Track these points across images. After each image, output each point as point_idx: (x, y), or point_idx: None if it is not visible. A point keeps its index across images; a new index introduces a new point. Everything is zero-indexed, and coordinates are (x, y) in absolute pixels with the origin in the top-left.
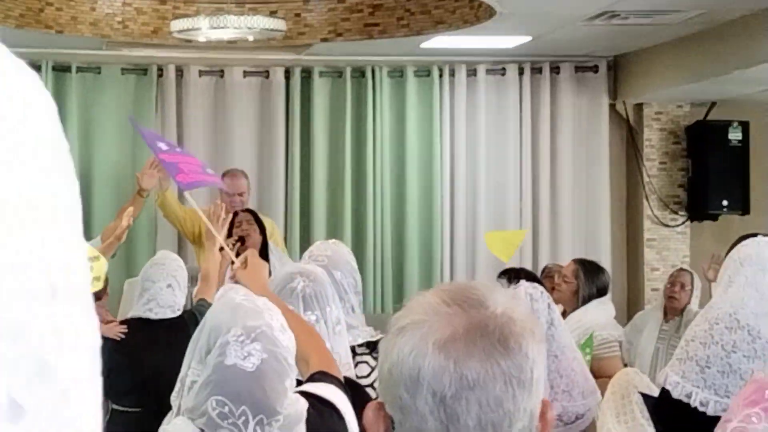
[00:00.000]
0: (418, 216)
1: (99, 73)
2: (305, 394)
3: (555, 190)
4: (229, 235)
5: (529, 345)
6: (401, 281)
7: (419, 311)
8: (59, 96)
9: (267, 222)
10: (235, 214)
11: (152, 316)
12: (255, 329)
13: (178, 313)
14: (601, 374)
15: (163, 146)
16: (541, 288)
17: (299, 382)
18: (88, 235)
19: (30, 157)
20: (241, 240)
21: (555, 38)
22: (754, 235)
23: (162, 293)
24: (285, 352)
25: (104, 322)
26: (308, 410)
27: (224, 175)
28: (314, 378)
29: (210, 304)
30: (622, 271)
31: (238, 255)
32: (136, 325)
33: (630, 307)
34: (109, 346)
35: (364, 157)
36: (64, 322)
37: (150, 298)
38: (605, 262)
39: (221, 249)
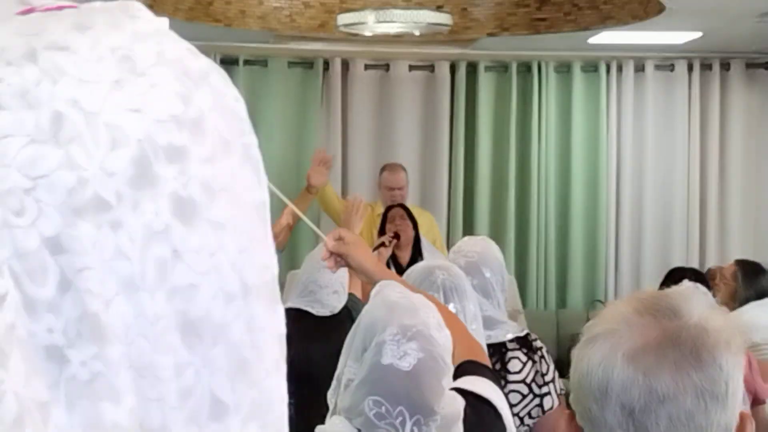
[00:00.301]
0: (583, 213)
1: (266, 66)
2: (462, 392)
3: (723, 188)
4: (382, 231)
5: (724, 357)
6: (564, 278)
7: (611, 320)
8: None
9: (425, 216)
10: (387, 209)
11: (313, 311)
12: (411, 328)
13: (340, 304)
14: None
15: None
16: (703, 289)
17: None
18: None
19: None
20: (396, 236)
21: (726, 34)
22: None
23: (328, 298)
24: (441, 351)
25: None
26: (465, 408)
27: (384, 169)
28: (467, 370)
29: (359, 299)
30: None
31: (393, 251)
32: (295, 316)
33: None
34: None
35: (529, 153)
36: (258, 320)
37: (315, 300)
38: None
39: (379, 246)
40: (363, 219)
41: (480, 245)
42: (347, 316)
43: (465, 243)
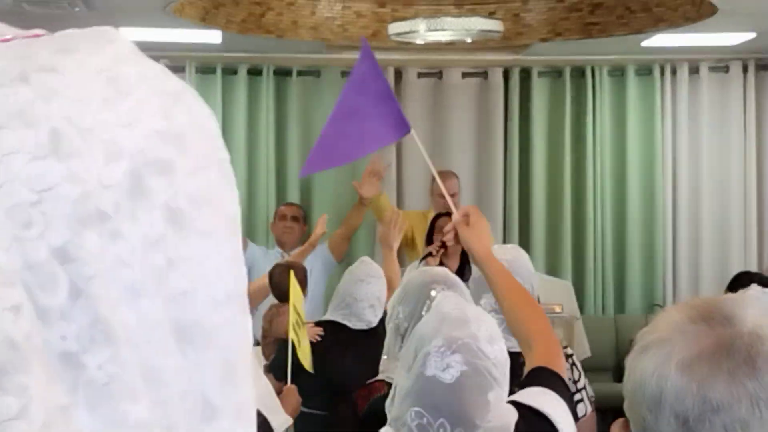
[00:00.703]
0: (640, 217)
1: (319, 76)
2: (518, 405)
3: None
4: (429, 240)
5: None
6: (622, 284)
7: (664, 328)
8: (280, 99)
9: None
10: (435, 218)
11: (350, 325)
12: (457, 340)
13: (376, 319)
14: None
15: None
16: None
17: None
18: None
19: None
20: (444, 246)
21: None
22: None
23: (364, 312)
24: (489, 365)
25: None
26: (518, 423)
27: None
28: (535, 380)
29: None
30: None
31: (441, 263)
32: (332, 329)
33: None
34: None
35: (584, 158)
36: (239, 326)
37: (350, 313)
38: None
39: (426, 256)
40: (402, 232)
41: (510, 253)
42: (384, 330)
43: (495, 251)
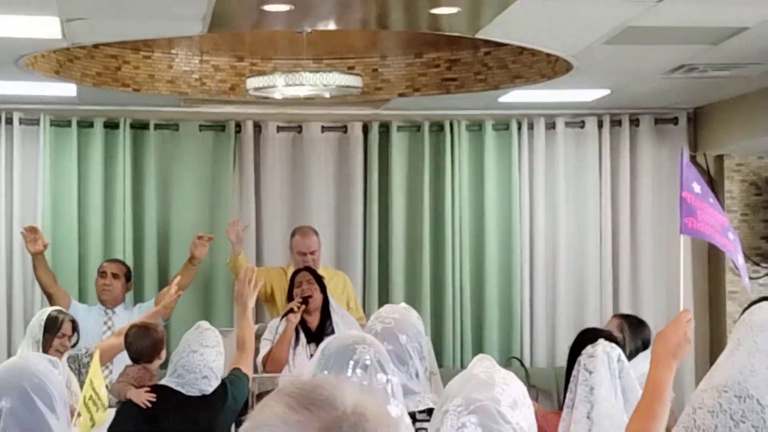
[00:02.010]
0: (498, 270)
1: (177, 129)
2: None
3: (635, 243)
4: (290, 297)
5: None
6: (480, 337)
7: (268, 422)
8: (137, 153)
9: (339, 276)
10: (294, 273)
11: (183, 391)
12: (476, 401)
13: (211, 388)
14: None
15: (696, 188)
16: (618, 349)
17: None
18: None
19: None
20: (305, 301)
21: (634, 91)
22: None
23: (197, 382)
24: (508, 429)
25: (140, 386)
26: None
27: (294, 233)
28: None
29: (244, 374)
30: (705, 324)
31: (303, 316)
32: (165, 393)
33: (712, 360)
34: (135, 412)
35: (443, 211)
36: None
37: (184, 382)
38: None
39: (289, 312)
40: (257, 289)
41: (399, 312)
42: (222, 394)
43: (384, 310)
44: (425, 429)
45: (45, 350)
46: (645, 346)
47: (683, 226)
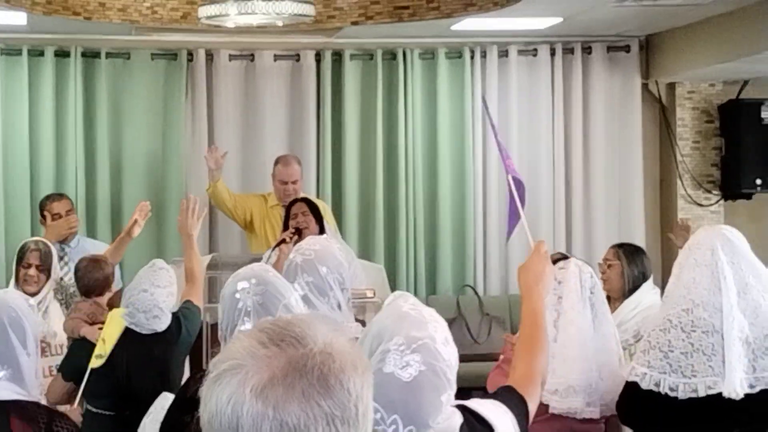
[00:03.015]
0: (451, 199)
1: (128, 58)
2: (463, 409)
3: (588, 172)
4: (285, 227)
5: (351, 379)
6: (434, 265)
7: (236, 355)
8: (89, 82)
9: (319, 204)
10: (290, 204)
11: (136, 329)
12: (417, 340)
13: (163, 326)
14: None
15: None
16: (590, 268)
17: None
18: (118, 221)
19: None
20: (298, 232)
21: (586, 19)
22: None
23: (147, 321)
24: (445, 366)
25: (94, 322)
26: (462, 426)
27: (277, 161)
28: (495, 394)
29: (196, 306)
30: (657, 252)
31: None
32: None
33: (664, 288)
34: (89, 349)
35: (396, 140)
36: None
37: (136, 322)
38: (639, 243)
39: (281, 242)
40: (200, 219)
41: (320, 244)
42: (175, 328)
43: (306, 242)
44: None
45: (16, 281)
46: (643, 274)
47: (508, 168)
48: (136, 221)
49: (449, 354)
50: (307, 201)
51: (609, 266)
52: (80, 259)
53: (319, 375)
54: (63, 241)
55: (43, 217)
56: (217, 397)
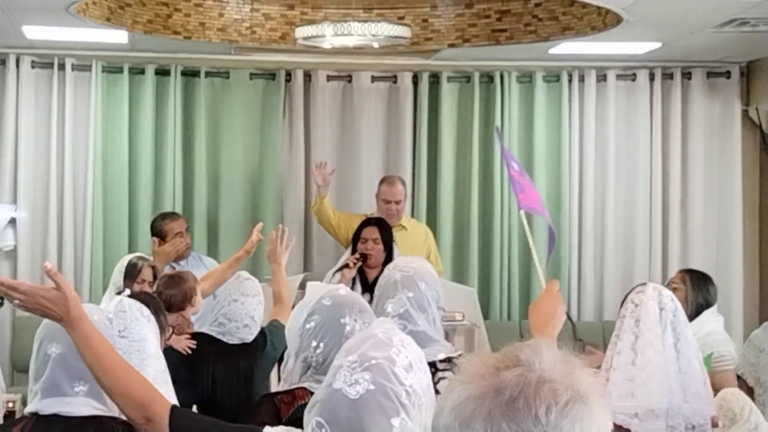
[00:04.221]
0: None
1: (227, 77)
2: None
3: (686, 197)
4: (354, 247)
5: (544, 406)
6: (528, 289)
7: (462, 372)
8: (188, 100)
9: (421, 228)
10: (362, 225)
11: (224, 339)
12: (371, 359)
13: (251, 336)
14: (714, 388)
15: (515, 166)
16: (670, 291)
17: None
18: (215, 238)
19: None
20: (364, 258)
21: (686, 44)
22: None
23: (237, 330)
24: (401, 390)
25: (180, 333)
26: None
27: (382, 181)
28: None
29: (282, 325)
30: (755, 280)
31: (363, 274)
32: (204, 341)
33: (762, 317)
34: (175, 359)
35: (492, 163)
36: None
37: (225, 331)
38: (737, 270)
39: (344, 267)
40: (288, 249)
41: (416, 262)
42: (261, 342)
43: (401, 260)
44: (447, 378)
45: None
46: (707, 301)
47: (520, 203)
48: (255, 242)
49: (411, 380)
50: (380, 225)
51: (674, 289)
52: (161, 276)
53: (510, 397)
54: (177, 258)
55: (161, 237)
56: (437, 407)
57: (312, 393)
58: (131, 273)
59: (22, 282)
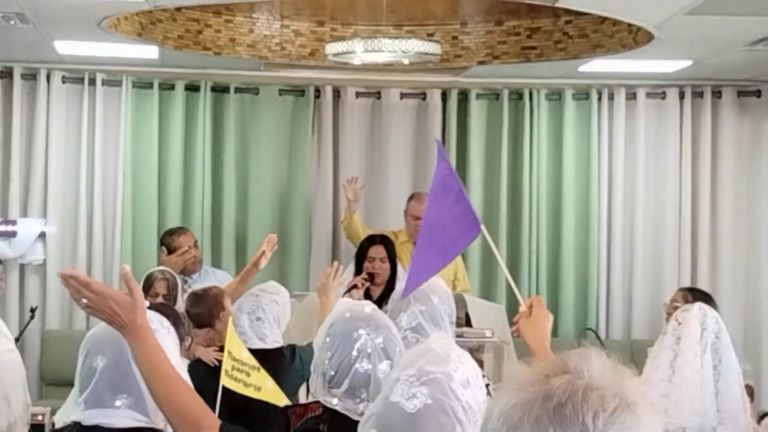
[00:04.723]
0: (575, 240)
1: (257, 93)
2: None
3: (715, 216)
4: (359, 267)
5: (592, 412)
6: (556, 307)
7: (509, 378)
8: (218, 116)
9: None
10: (368, 243)
11: (247, 344)
12: (429, 374)
13: (273, 345)
14: None
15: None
16: (716, 312)
17: None
18: (243, 253)
19: None
20: (371, 277)
21: (716, 62)
22: None
23: (247, 299)
24: (457, 406)
25: (209, 345)
26: None
27: (411, 198)
28: None
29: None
30: None
31: (367, 292)
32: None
33: None
34: (203, 370)
35: (521, 180)
36: None
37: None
38: (766, 291)
39: (353, 288)
40: (340, 284)
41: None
42: (289, 356)
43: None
44: None
45: None
46: None
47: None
48: (263, 253)
49: (469, 396)
50: (385, 243)
51: (675, 308)
52: (188, 294)
53: (558, 403)
54: (185, 273)
55: (169, 250)
56: (485, 412)
57: (324, 407)
58: (145, 285)
59: (96, 281)
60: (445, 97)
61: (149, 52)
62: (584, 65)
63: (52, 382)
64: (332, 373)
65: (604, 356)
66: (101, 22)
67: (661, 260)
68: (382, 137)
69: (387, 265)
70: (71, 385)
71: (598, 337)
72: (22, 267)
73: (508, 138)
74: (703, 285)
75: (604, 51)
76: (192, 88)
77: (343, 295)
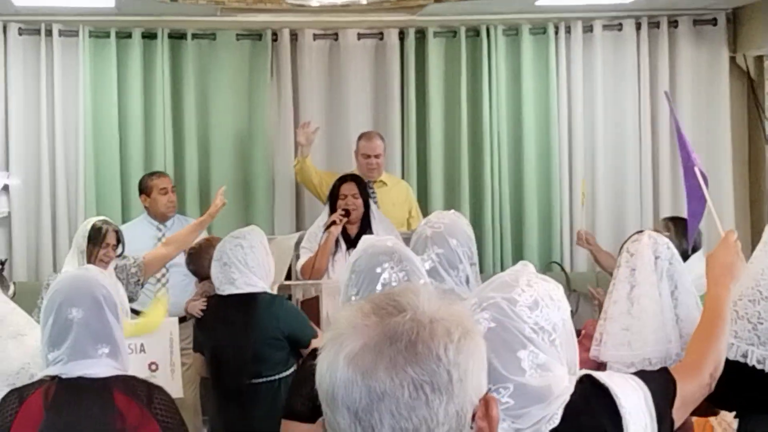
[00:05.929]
0: (536, 175)
1: (214, 39)
2: (585, 376)
3: (675, 147)
4: (333, 206)
5: (442, 346)
6: (520, 241)
7: (340, 325)
8: (176, 63)
9: (402, 185)
10: (339, 182)
11: (222, 291)
12: (489, 299)
13: (246, 288)
14: None
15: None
16: (667, 239)
17: None
18: (206, 200)
19: None
20: (347, 213)
21: None
22: None
23: (217, 271)
24: (523, 326)
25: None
26: (573, 393)
27: (360, 137)
28: (641, 373)
29: (297, 311)
30: (746, 229)
31: (345, 232)
32: (213, 302)
33: None
34: (194, 323)
35: (481, 117)
36: None
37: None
38: (728, 218)
39: (330, 225)
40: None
41: (449, 218)
42: (267, 302)
43: (434, 215)
44: None
45: (89, 261)
46: (693, 248)
47: (696, 161)
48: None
49: (537, 317)
50: (357, 181)
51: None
52: (191, 246)
53: (408, 342)
54: (161, 221)
55: (147, 194)
56: (320, 365)
57: None
58: (95, 237)
59: None
60: (402, 36)
61: (105, 1)
62: None
63: None
64: None
65: (429, 288)
66: None
67: (622, 191)
68: (341, 79)
69: (360, 201)
70: None
71: (563, 269)
72: None
73: (467, 75)
74: (665, 214)
75: None
76: (149, 35)
77: (323, 233)
